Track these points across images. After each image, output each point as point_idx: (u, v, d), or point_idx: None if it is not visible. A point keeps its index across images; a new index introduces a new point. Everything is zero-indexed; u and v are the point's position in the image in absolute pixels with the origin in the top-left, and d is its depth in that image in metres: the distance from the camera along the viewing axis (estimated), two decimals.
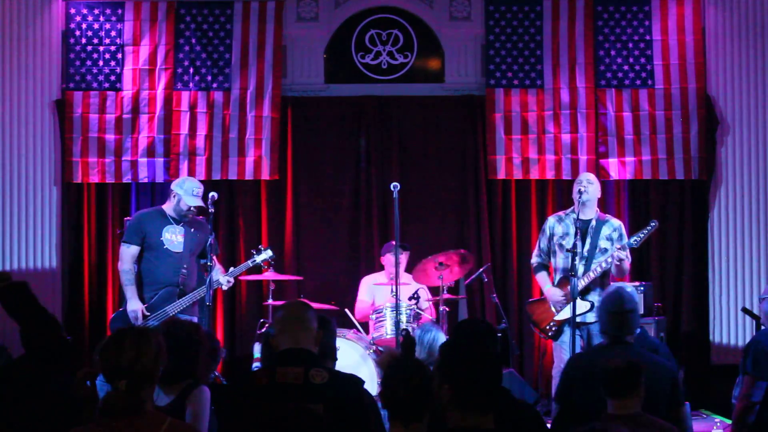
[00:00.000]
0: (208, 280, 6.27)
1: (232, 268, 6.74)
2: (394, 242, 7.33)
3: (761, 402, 4.72)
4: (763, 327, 5.26)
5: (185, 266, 6.44)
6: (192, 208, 6.48)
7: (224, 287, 6.62)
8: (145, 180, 8.11)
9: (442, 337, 5.10)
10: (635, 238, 6.45)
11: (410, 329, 6.80)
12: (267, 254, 6.75)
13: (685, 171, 8.04)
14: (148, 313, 6.35)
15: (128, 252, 6.50)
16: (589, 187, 6.50)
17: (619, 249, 6.30)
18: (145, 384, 2.98)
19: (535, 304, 6.83)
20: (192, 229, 6.53)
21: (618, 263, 6.32)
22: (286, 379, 3.52)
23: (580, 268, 6.32)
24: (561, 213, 6.74)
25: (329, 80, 8.41)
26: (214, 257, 6.43)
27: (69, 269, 8.13)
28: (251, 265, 6.72)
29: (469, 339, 4.11)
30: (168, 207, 6.58)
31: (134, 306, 6.34)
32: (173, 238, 6.48)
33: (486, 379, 3.03)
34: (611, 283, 6.45)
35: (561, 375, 4.57)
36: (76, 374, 3.19)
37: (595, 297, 6.32)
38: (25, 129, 8.04)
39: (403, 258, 7.36)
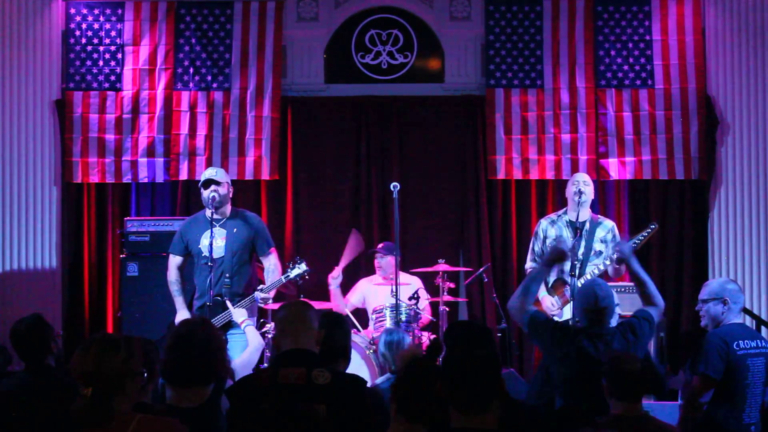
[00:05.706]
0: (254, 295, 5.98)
1: (261, 286, 6.15)
2: (379, 247, 7.45)
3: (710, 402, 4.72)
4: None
5: (228, 275, 6.04)
6: (214, 193, 6.07)
7: (261, 305, 6.18)
8: (145, 180, 8.11)
9: (407, 339, 5.19)
10: (634, 241, 6.28)
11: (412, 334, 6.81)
12: (301, 268, 6.16)
13: (685, 171, 8.04)
14: None
15: (171, 262, 6.28)
16: (587, 188, 6.45)
17: (618, 252, 6.23)
18: (114, 391, 2.89)
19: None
20: (234, 229, 6.18)
21: (616, 267, 6.26)
22: (289, 380, 3.52)
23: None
24: (553, 215, 6.68)
25: (329, 80, 8.41)
26: (271, 251, 6.22)
27: (69, 269, 8.13)
28: (284, 281, 6.21)
29: (463, 340, 4.13)
30: (206, 209, 6.24)
31: (182, 317, 5.95)
32: (214, 242, 6.03)
33: (482, 380, 3.01)
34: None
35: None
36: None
37: None
38: (25, 129, 8.04)
39: (391, 261, 7.29)
